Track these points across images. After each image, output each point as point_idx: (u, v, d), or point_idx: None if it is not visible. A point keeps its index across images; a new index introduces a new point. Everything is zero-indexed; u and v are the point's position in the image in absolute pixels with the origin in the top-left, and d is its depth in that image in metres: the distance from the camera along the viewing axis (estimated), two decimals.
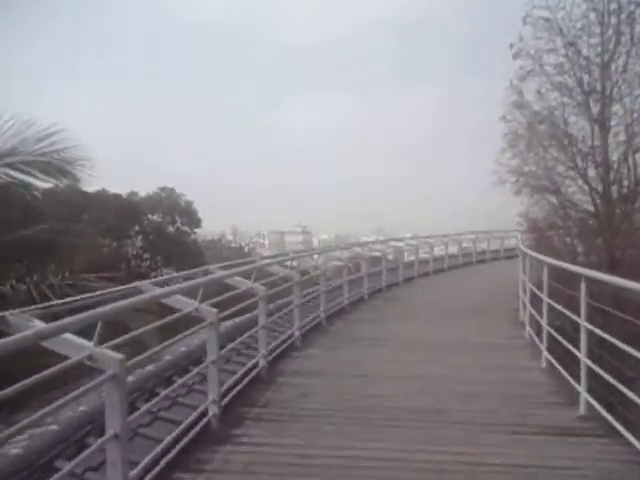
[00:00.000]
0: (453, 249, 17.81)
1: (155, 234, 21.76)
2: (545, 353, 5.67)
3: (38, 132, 8.39)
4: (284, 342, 6.37)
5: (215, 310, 4.01)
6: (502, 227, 19.34)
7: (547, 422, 4.08)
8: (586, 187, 11.07)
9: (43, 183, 8.93)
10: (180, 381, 4.07)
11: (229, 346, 5.04)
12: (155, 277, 21.57)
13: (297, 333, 6.83)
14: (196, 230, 24.16)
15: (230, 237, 35.51)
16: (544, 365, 5.65)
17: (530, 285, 7.10)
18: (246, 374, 4.86)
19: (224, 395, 4.17)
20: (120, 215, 19.56)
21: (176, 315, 3.85)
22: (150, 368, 4.28)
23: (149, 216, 23.04)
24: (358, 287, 10.65)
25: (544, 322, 5.76)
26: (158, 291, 3.97)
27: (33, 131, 8.33)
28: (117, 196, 21.13)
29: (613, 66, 10.98)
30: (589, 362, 4.16)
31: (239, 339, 5.38)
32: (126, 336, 3.08)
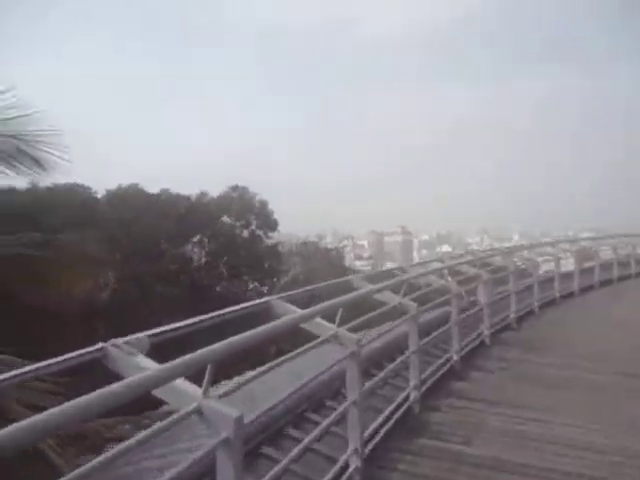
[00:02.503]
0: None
1: (226, 239, 18.89)
2: None
3: None
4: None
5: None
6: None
7: None
8: None
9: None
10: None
11: None
12: (220, 289, 19.03)
13: (355, 461, 3.24)
14: (271, 234, 21.04)
15: (315, 239, 32.50)
16: None
17: None
18: None
19: None
20: (184, 220, 16.89)
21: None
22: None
23: (222, 219, 20.37)
24: (475, 323, 6.87)
25: None
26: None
27: None
28: (183, 198, 18.51)
29: None
30: None
31: None
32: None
